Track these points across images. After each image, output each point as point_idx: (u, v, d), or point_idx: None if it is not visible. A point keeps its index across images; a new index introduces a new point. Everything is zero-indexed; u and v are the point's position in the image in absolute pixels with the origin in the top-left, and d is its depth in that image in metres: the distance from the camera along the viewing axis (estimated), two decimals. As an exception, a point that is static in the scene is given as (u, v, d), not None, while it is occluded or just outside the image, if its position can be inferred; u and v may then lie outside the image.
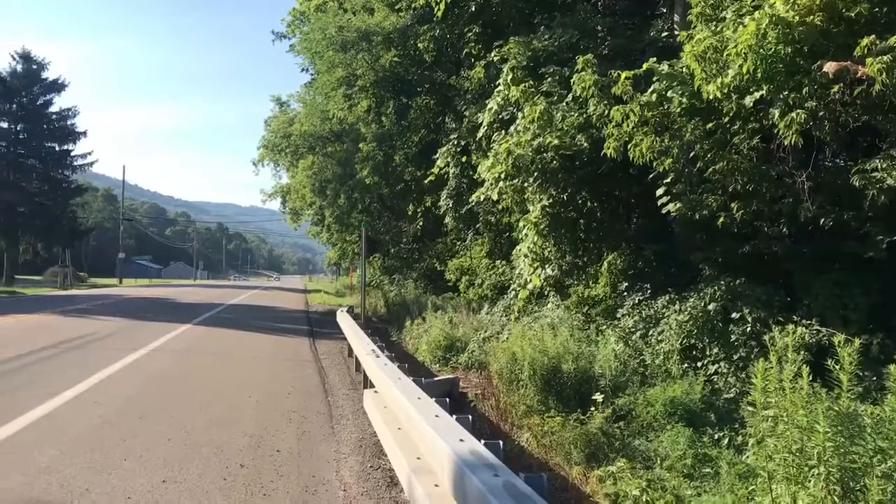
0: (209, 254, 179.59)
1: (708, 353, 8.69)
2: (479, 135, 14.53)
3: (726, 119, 8.84)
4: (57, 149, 60.39)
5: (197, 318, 24.08)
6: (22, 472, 6.34)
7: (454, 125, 21.47)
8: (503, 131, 12.76)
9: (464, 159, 18.68)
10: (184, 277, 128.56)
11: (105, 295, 41.15)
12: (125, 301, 34.83)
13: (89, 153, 62.60)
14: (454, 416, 5.45)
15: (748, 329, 8.43)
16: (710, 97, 8.46)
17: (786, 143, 7.94)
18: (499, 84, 13.34)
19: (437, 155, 19.65)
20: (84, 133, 61.50)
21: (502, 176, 11.71)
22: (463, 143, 18.87)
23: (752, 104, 8.25)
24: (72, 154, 60.62)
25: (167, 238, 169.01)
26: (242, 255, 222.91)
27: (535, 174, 11.31)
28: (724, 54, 8.21)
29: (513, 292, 14.01)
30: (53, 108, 60.46)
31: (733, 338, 8.50)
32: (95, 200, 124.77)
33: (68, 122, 60.85)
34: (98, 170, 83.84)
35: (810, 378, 4.61)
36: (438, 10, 17.91)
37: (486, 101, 14.00)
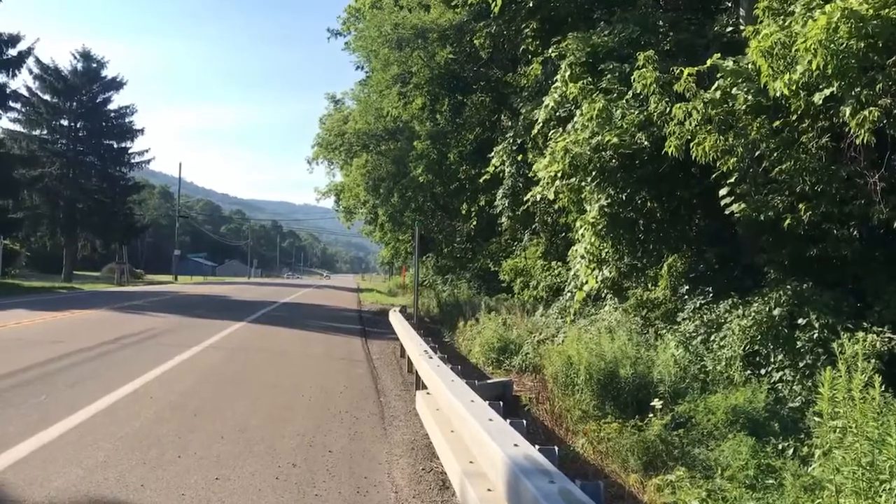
0: (263, 251, 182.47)
1: (772, 360, 8.52)
2: (535, 132, 14.48)
3: (794, 117, 8.65)
4: (115, 146, 61.85)
5: (251, 315, 24.49)
6: (80, 466, 6.53)
7: (510, 123, 21.45)
8: (560, 129, 12.70)
9: (519, 158, 18.64)
10: (238, 275, 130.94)
11: (160, 291, 42.14)
12: (180, 298, 35.61)
13: (146, 151, 63.93)
14: (508, 420, 5.45)
15: (815, 335, 8.24)
16: (778, 94, 8.29)
17: (857, 143, 7.74)
18: (556, 81, 13.27)
19: (493, 153, 19.65)
20: (141, 131, 62.91)
21: (559, 175, 11.66)
22: (519, 141, 18.84)
23: (821, 101, 8.05)
24: (129, 152, 62.08)
25: (222, 235, 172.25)
26: (296, 253, 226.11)
27: (593, 173, 11.23)
28: (793, 49, 8.03)
29: (568, 294, 13.94)
30: (111, 106, 61.98)
31: (799, 344, 8.32)
32: (152, 198, 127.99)
33: (126, 120, 62.31)
34: (155, 167, 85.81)
35: (882, 388, 4.49)
36: (495, 5, 17.89)
37: (543, 99, 13.94)
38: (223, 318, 22.49)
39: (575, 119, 11.88)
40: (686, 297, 11.00)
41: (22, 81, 57.76)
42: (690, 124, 9.38)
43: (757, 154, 8.98)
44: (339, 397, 10.59)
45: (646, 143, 10.64)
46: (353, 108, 44.52)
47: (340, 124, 43.71)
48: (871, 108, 7.43)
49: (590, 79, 12.20)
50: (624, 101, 11.19)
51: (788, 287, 8.91)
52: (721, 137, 9.19)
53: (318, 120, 48.85)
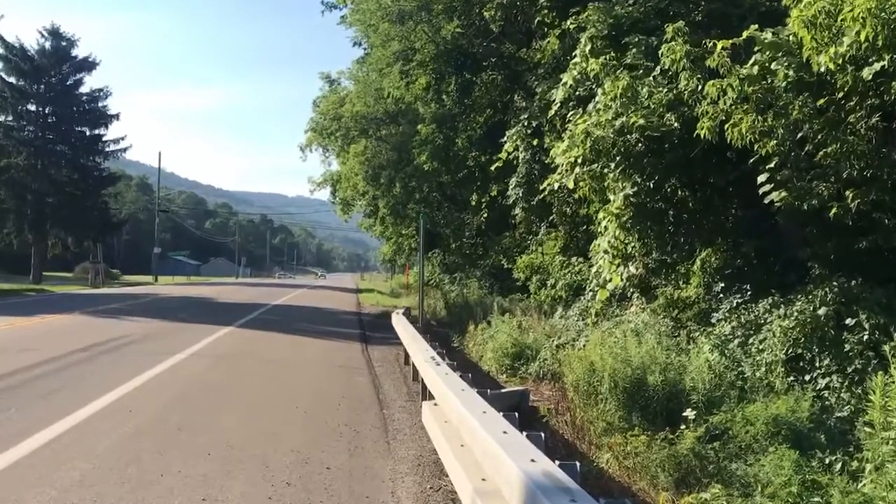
0: (252, 249, 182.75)
1: (817, 364, 8.50)
2: (553, 114, 14.46)
3: (840, 94, 8.61)
4: (88, 133, 61.93)
5: (239, 319, 24.58)
6: (54, 487, 6.57)
7: (524, 104, 21.41)
8: (580, 110, 12.67)
9: (535, 142, 18.60)
10: (225, 274, 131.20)
11: (139, 294, 42.33)
12: (161, 300, 35.76)
13: (122, 138, 63.89)
14: (524, 433, 5.46)
15: (865, 337, 8.21)
16: (822, 69, 8.25)
17: (911, 122, 7.71)
18: (575, 56, 13.24)
19: (505, 137, 19.61)
20: (116, 116, 63.01)
21: (579, 161, 11.65)
22: (534, 123, 18.80)
23: (870, 77, 8.01)
24: (103, 139, 62.14)
25: (206, 231, 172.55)
26: (288, 250, 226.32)
27: (618, 158, 11.21)
28: (839, 19, 7.99)
29: (591, 293, 13.93)
30: (83, 89, 62.03)
31: (847, 347, 8.29)
32: (129, 190, 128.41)
33: (99, 105, 62.37)
34: (132, 156, 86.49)
35: (940, 395, 4.48)
36: (507, -27, 17.88)
37: (561, 76, 13.91)
38: (209, 323, 22.57)
39: (596, 99, 11.85)
40: (721, 295, 10.97)
41: (-16, 63, 57.52)
42: (725, 103, 9.35)
43: (799, 136, 8.94)
44: (337, 409, 10.62)
45: (675, 124, 10.61)
46: (350, 89, 44.58)
47: (336, 107, 43.77)
48: (926, 84, 7.40)
49: (613, 54, 12.17)
50: (651, 78, 11.16)
51: (835, 284, 8.88)
52: (759, 118, 9.16)
53: (311, 102, 48.96)
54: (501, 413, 6.19)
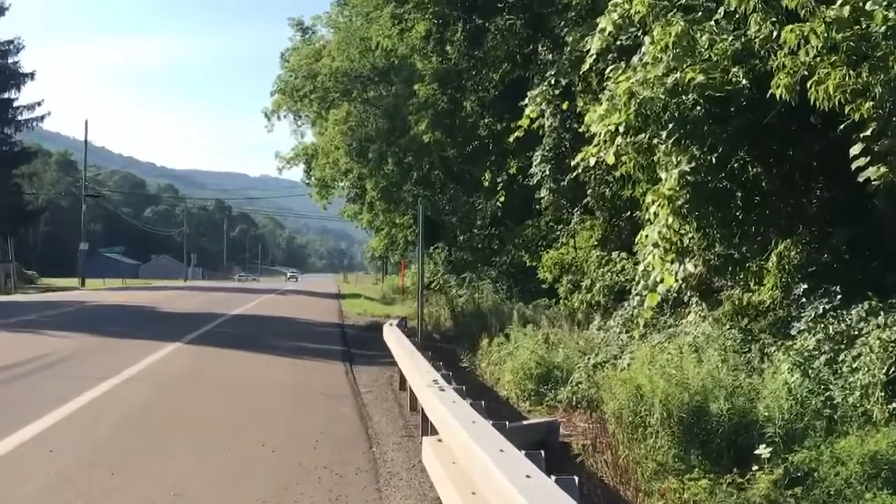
0: (205, 244, 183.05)
1: (928, 388, 8.49)
2: (587, 69, 14.41)
3: (957, 41, 8.58)
4: (-6, 97, 61.84)
5: (189, 334, 24.57)
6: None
7: (550, 56, 21.35)
8: (622, 64, 12.63)
9: (565, 105, 18.57)
10: (171, 276, 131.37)
11: (62, 301, 42.35)
12: (90, 310, 35.80)
13: (38, 104, 63.92)
14: (553, 478, 5.44)
15: None
16: (932, 9, 8.22)
17: None
18: (615, -5, 13.20)
19: (527, 100, 19.57)
20: (31, 75, 63.03)
21: (621, 129, 11.61)
22: (563, 82, 18.76)
23: None
24: (14, 105, 62.13)
25: (147, 221, 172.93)
26: (251, 244, 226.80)
27: (670, 126, 11.17)
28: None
29: (637, 298, 13.89)
30: (-11, 42, 61.94)
31: (968, 367, 8.28)
32: (48, 170, 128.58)
33: (9, 61, 62.38)
34: (51, 127, 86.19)
35: None
36: None
37: (598, 21, 13.87)
38: (151, 338, 22.56)
39: (643, 49, 11.80)
40: (803, 299, 10.94)
41: None
42: (807, 54, 9.30)
43: (903, 96, 8.92)
44: (314, 447, 10.61)
45: (744, 81, 10.57)
46: (328, 40, 44.58)
47: (311, 62, 43.72)
48: None
49: (663, -9, 12.14)
50: (712, 22, 11.12)
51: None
52: (851, 72, 9.12)
53: (279, 57, 48.93)
54: (523, 451, 6.17)
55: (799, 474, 7.77)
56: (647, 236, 12.35)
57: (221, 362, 18.82)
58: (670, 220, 11.62)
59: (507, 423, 8.45)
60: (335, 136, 42.51)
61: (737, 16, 10.73)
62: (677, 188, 11.43)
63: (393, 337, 16.30)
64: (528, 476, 5.35)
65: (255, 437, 10.94)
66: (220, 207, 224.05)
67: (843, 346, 9.61)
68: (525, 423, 11.25)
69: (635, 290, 14.19)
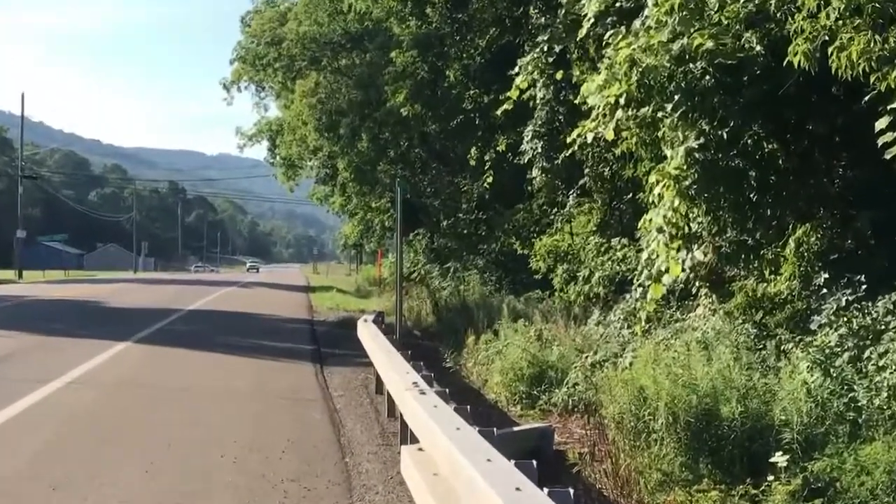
0: (157, 231, 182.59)
1: (963, 388, 8.54)
2: (584, 35, 14.42)
3: None
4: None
5: (140, 331, 24.52)
6: None
7: (543, 20, 21.36)
8: (623, 29, 12.65)
9: (559, 75, 18.59)
10: (119, 267, 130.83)
11: (-4, 296, 42.14)
12: (28, 305, 35.66)
13: (-32, 73, 63.55)
14: (546, 490, 5.47)
15: None
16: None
17: None
18: (615, -49, 13.24)
19: (517, 68, 19.58)
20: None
21: (622, 101, 11.63)
22: (557, 48, 18.77)
23: None
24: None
25: (92, 206, 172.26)
26: (209, 231, 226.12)
27: (677, 98, 11.19)
28: None
29: (639, 290, 13.92)
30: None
31: None
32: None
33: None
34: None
35: None
36: None
37: (595, -20, 13.90)
38: (97, 337, 22.51)
39: (646, 12, 11.82)
40: (824, 290, 10.97)
41: None
42: (828, 18, 9.33)
43: (934, 63, 8.94)
44: (280, 458, 10.61)
45: (758, 47, 10.59)
46: (294, 1, 44.43)
47: (275, 27, 43.58)
48: None
49: (668, -54, 12.15)
50: (723, -19, 11.16)
51: None
52: (877, 38, 9.15)
53: (239, 21, 48.77)
54: (513, 461, 6.20)
55: (819, 485, 7.80)
56: (650, 221, 12.38)
57: (175, 363, 18.79)
58: (676, 202, 11.64)
59: (495, 429, 8.46)
60: (302, 109, 42.40)
61: (750, -26, 10.77)
62: (684, 167, 11.45)
63: (368, 334, 16.28)
64: (518, 489, 5.37)
65: (213, 447, 10.94)
66: (173, 190, 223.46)
67: (868, 342, 9.65)
68: (515, 429, 11.28)
69: (638, 280, 14.21)
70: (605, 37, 13.15)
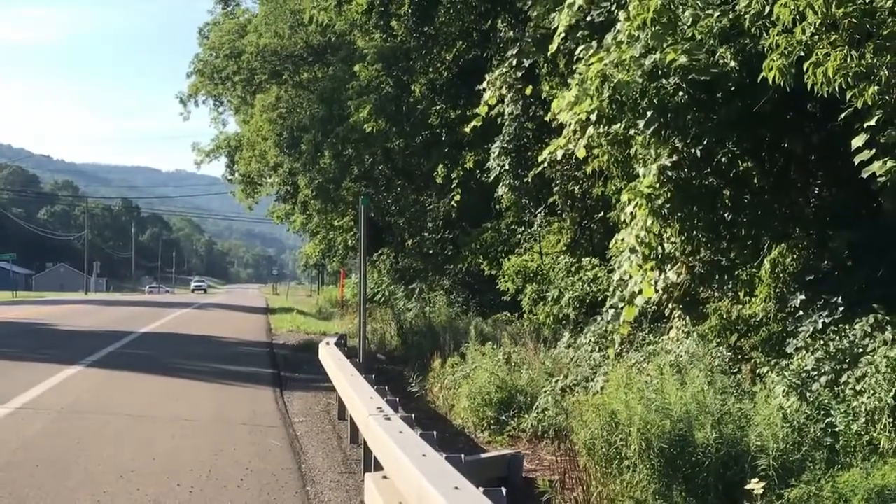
0: (110, 250, 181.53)
1: (942, 412, 8.60)
2: (555, 49, 14.49)
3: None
4: None
5: (91, 355, 24.35)
6: None
7: (512, 34, 21.47)
8: (594, 43, 12.72)
9: (528, 91, 18.65)
10: (70, 288, 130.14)
11: (-60, 318, 41.78)
12: (-26, 328, 35.30)
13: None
14: (515, 519, 5.47)
15: None
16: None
17: None
18: (585, -36, 13.30)
19: (485, 84, 19.64)
20: None
21: (593, 117, 11.68)
22: (527, 63, 18.85)
23: None
24: None
25: (42, 224, 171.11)
26: (164, 250, 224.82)
27: (649, 114, 11.24)
28: None
29: (611, 312, 13.97)
30: None
31: None
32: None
33: None
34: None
35: None
36: None
37: (566, -7, 13.97)
38: (46, 361, 22.35)
39: (618, 27, 11.90)
40: (800, 312, 11.02)
41: None
42: (804, 33, 9.42)
43: (912, 80, 9.03)
44: (238, 488, 10.58)
45: (732, 63, 10.67)
46: (254, 13, 44.45)
47: (234, 39, 43.60)
48: None
49: (640, -41, 12.23)
50: (696, -5, 11.25)
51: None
52: (853, 53, 9.24)
53: (196, 32, 48.72)
54: (482, 489, 6.20)
55: (796, 512, 7.83)
56: (622, 240, 12.43)
57: (128, 388, 18.67)
58: (649, 221, 11.69)
59: (462, 456, 8.46)
60: (262, 124, 42.37)
61: (724, -12, 10.86)
62: (657, 185, 11.51)
63: (330, 358, 16.25)
64: (486, 518, 5.37)
65: (168, 476, 10.88)
66: (127, 207, 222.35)
67: (845, 366, 9.70)
68: (483, 456, 11.28)
69: (610, 301, 14.27)
70: (576, 52, 13.23)
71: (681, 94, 11.05)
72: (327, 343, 18.80)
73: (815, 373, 9.86)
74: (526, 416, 13.65)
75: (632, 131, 11.56)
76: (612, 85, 11.27)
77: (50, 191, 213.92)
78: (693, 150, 11.37)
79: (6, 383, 18.07)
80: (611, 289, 14.04)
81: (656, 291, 12.07)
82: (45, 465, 11.30)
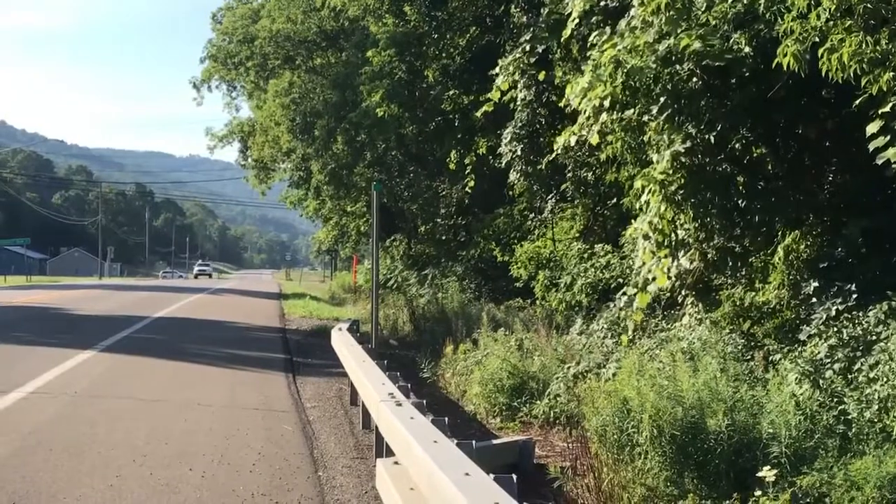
0: (124, 235, 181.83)
1: (956, 400, 8.56)
2: (568, 35, 14.44)
3: None
4: None
5: (105, 339, 24.39)
6: None
7: (525, 19, 21.39)
8: (607, 29, 12.67)
9: (541, 76, 18.60)
10: (84, 273, 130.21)
11: (-45, 303, 41.89)
12: (-13, 312, 35.39)
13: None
14: (526, 505, 5.46)
15: None
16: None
17: None
18: (600, -51, 13.26)
19: (497, 69, 19.59)
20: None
21: (606, 103, 11.64)
22: (540, 48, 18.78)
23: None
24: None
25: (56, 209, 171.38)
26: (178, 235, 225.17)
27: (663, 100, 11.21)
28: None
29: (624, 298, 13.95)
30: None
31: None
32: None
33: None
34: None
35: None
36: None
37: (579, -22, 13.91)
38: (60, 345, 22.39)
39: (631, 12, 11.85)
40: (814, 299, 10.98)
41: None
42: (818, 18, 9.37)
43: (928, 66, 8.98)
44: (250, 472, 10.58)
45: (746, 49, 10.62)
46: (267, -1, 44.38)
47: (247, 24, 43.53)
48: None
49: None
50: (710, -19, 11.19)
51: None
52: (868, 39, 9.19)
53: (210, 17, 48.69)
54: (492, 475, 6.19)
55: (808, 500, 7.81)
56: (636, 227, 12.40)
57: (141, 373, 18.69)
58: (662, 208, 11.66)
59: (473, 442, 8.46)
60: (275, 110, 42.24)
61: (738, -27, 10.80)
62: (670, 172, 11.47)
63: (343, 343, 16.24)
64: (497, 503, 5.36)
65: (181, 460, 10.89)
66: (140, 193, 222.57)
67: (858, 353, 9.67)
68: (495, 442, 11.28)
69: (623, 289, 14.26)
70: (590, 37, 13.17)
71: (695, 79, 11.02)
72: (340, 329, 18.80)
73: (829, 360, 9.82)
74: (538, 402, 13.64)
75: (645, 117, 11.53)
76: (625, 70, 11.23)
77: (64, 176, 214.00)
78: (707, 136, 11.33)
79: (20, 368, 18.12)
80: (624, 275, 14.02)
81: (669, 278, 12.04)
82: (58, 450, 11.32)
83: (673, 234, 11.86)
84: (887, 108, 9.20)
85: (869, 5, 9.25)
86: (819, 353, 9.97)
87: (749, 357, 10.86)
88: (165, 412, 14.28)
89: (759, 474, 7.96)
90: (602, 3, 13.34)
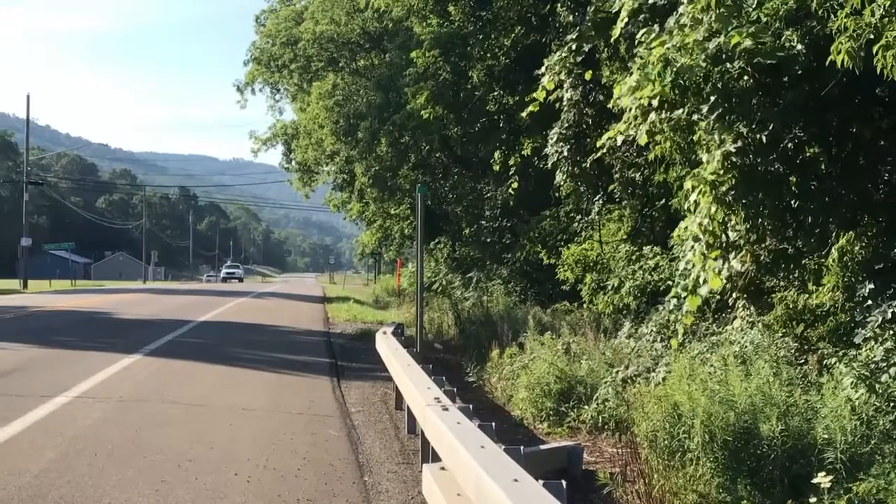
0: (168, 239, 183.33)
1: None
2: (615, 34, 14.38)
3: None
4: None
5: (150, 344, 24.55)
6: None
7: (571, 18, 21.33)
8: (656, 27, 12.60)
9: (588, 76, 18.53)
10: (128, 277, 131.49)
11: (0, 307, 42.30)
12: (33, 316, 35.74)
13: (-27, 76, 64.02)
14: (577, 512, 5.42)
15: None
16: None
17: None
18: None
19: (543, 68, 19.54)
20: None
21: (655, 103, 11.57)
22: (586, 47, 18.72)
23: None
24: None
25: (100, 213, 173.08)
26: (221, 239, 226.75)
27: (713, 99, 11.13)
28: None
29: (674, 301, 13.86)
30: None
31: None
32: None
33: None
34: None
35: None
36: None
37: (627, -24, 13.84)
38: (105, 349, 22.56)
39: (680, 9, 11.78)
40: (869, 302, 10.88)
41: None
42: (873, 14, 9.27)
43: None
44: (296, 477, 10.60)
45: (799, 46, 10.53)
46: (311, 0, 44.52)
47: (291, 26, 43.73)
48: None
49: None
50: (761, -24, 11.10)
51: None
52: (926, 35, 9.09)
53: (253, 19, 48.98)
54: (541, 482, 6.15)
55: (866, 507, 7.73)
56: (686, 228, 12.32)
57: (186, 377, 18.79)
58: (713, 209, 11.57)
59: (521, 447, 8.42)
60: (319, 112, 42.41)
61: (791, -31, 10.71)
62: (721, 172, 11.38)
63: (387, 347, 16.24)
64: (547, 511, 5.32)
65: (225, 466, 10.93)
66: (184, 196, 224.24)
67: (916, 357, 9.57)
68: (543, 447, 11.23)
69: (672, 291, 14.17)
70: (638, 35, 13.12)
71: (746, 78, 10.93)
72: (384, 332, 18.81)
73: (885, 364, 9.73)
74: (586, 407, 13.58)
75: (695, 116, 11.45)
76: (674, 69, 11.15)
77: (108, 179, 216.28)
78: (758, 136, 11.23)
79: (66, 372, 18.26)
80: (674, 278, 13.93)
81: (722, 281, 11.94)
82: (103, 454, 11.38)
83: (724, 236, 11.77)
84: (946, 106, 9.10)
85: (926, -1, 9.14)
86: (875, 356, 9.88)
87: (803, 361, 10.77)
88: (210, 417, 14.34)
89: (814, 480, 7.87)
90: (651, 1, 13.25)
